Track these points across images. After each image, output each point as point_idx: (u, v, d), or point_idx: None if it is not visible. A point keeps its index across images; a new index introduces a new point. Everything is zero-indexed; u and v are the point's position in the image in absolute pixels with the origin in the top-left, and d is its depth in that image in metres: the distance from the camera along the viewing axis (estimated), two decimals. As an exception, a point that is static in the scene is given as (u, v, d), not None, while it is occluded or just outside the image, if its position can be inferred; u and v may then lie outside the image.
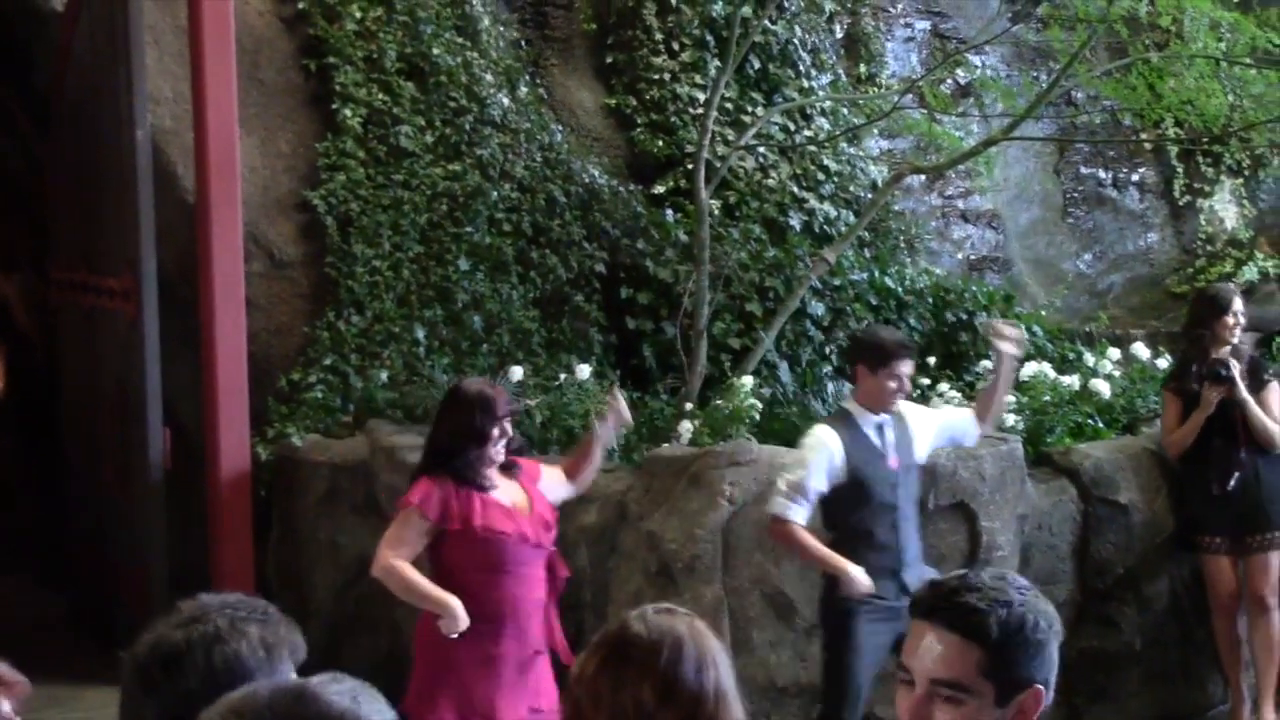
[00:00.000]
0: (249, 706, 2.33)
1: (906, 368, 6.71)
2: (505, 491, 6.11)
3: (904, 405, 7.00)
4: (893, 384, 6.67)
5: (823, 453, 6.64)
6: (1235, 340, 8.11)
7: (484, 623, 5.94)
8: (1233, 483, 7.94)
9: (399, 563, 5.96)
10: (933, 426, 6.97)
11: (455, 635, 5.87)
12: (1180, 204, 12.43)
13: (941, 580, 3.09)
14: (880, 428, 6.72)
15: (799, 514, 6.62)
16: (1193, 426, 8.06)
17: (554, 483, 6.41)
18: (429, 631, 6.01)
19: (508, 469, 6.17)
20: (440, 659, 5.96)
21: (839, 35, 11.70)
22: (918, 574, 6.71)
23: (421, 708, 5.95)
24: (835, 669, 6.75)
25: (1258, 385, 8.00)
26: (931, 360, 9.55)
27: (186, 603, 2.82)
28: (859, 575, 6.55)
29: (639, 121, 10.46)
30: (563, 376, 8.79)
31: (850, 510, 6.69)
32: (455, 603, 5.88)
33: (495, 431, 6.01)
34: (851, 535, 6.70)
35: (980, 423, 6.99)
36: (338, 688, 2.35)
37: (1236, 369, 7.89)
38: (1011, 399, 8.70)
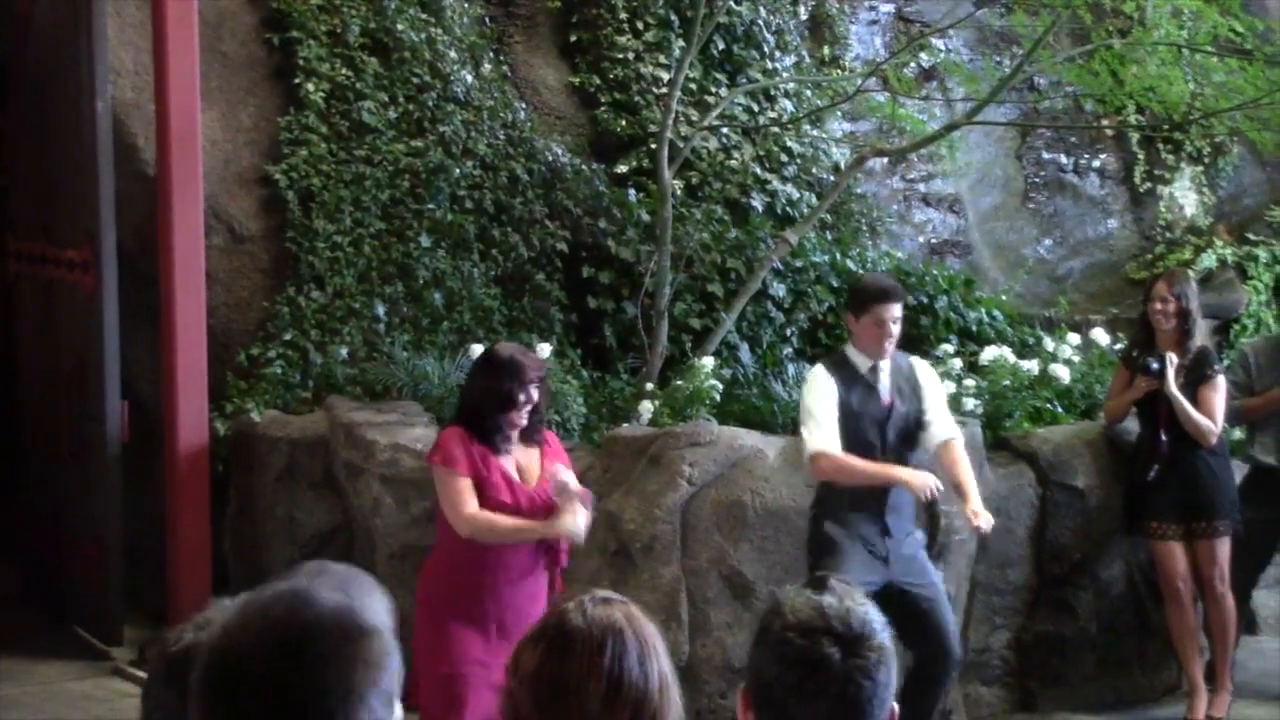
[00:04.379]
0: (248, 611, 2.36)
1: (888, 311, 6.80)
2: (519, 459, 6.29)
3: (917, 362, 7.19)
4: (875, 328, 6.80)
5: (820, 383, 6.83)
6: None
7: (468, 576, 6.14)
8: (1151, 473, 7.99)
9: (483, 514, 6.14)
10: (934, 394, 7.09)
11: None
12: (1140, 191, 12.46)
13: None
14: (874, 369, 6.88)
15: (833, 442, 6.73)
16: (1123, 402, 8.21)
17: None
18: (424, 590, 6.29)
19: (530, 438, 6.31)
20: (432, 615, 6.16)
21: (803, 17, 11.67)
22: (904, 524, 6.79)
23: (424, 660, 6.12)
24: None
25: (1201, 378, 8.02)
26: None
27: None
28: (917, 477, 6.68)
29: (602, 100, 10.44)
30: (523, 355, 8.76)
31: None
32: (550, 527, 6.14)
33: (521, 397, 6.16)
34: None
35: (935, 449, 7.05)
36: (327, 581, 2.39)
37: (1171, 366, 7.92)
38: (971, 383, 8.74)
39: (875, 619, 2.84)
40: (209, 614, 2.80)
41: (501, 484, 6.18)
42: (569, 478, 6.23)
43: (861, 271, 10.00)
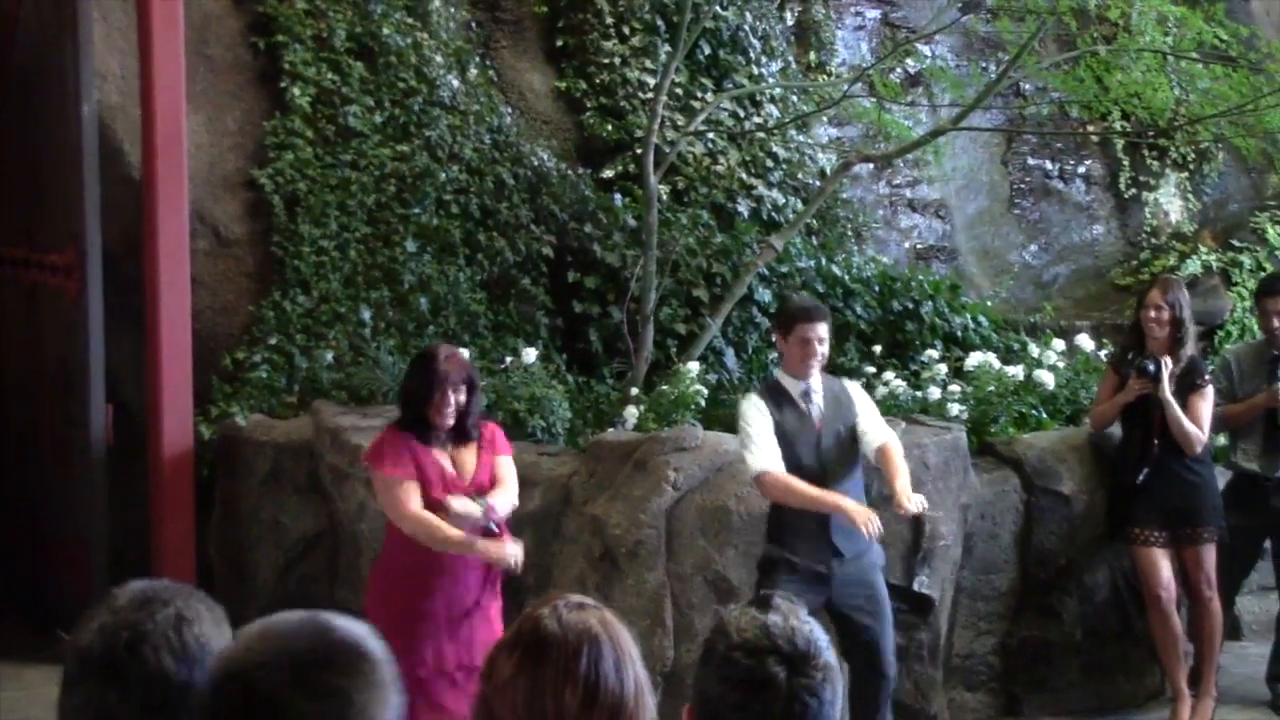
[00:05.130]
0: (279, 629, 2.45)
1: (813, 331, 6.80)
2: (456, 455, 6.35)
3: (848, 383, 7.17)
4: (800, 347, 6.81)
5: (754, 409, 6.82)
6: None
7: (413, 575, 6.21)
8: (1141, 476, 7.99)
9: (426, 517, 6.18)
10: (865, 407, 7.06)
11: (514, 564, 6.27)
12: (1125, 197, 12.48)
13: None
14: (806, 393, 6.87)
15: (775, 461, 6.71)
16: (1113, 406, 8.18)
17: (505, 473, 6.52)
18: (375, 592, 6.40)
19: (465, 436, 6.37)
20: (383, 617, 6.04)
21: (789, 22, 11.69)
22: (856, 544, 6.75)
23: None
24: None
25: (1191, 387, 8.02)
26: (877, 349, 9.58)
27: (125, 590, 2.81)
28: (857, 509, 6.59)
29: (589, 105, 10.44)
30: (509, 359, 8.77)
31: None
32: (483, 545, 6.22)
33: (437, 395, 6.22)
34: None
35: (873, 456, 7.00)
36: (346, 621, 2.50)
37: (1166, 370, 7.93)
38: (956, 388, 8.74)
39: (820, 638, 2.83)
40: (139, 594, 2.77)
41: (436, 480, 6.24)
42: (469, 508, 6.25)
43: (846, 275, 10.02)
